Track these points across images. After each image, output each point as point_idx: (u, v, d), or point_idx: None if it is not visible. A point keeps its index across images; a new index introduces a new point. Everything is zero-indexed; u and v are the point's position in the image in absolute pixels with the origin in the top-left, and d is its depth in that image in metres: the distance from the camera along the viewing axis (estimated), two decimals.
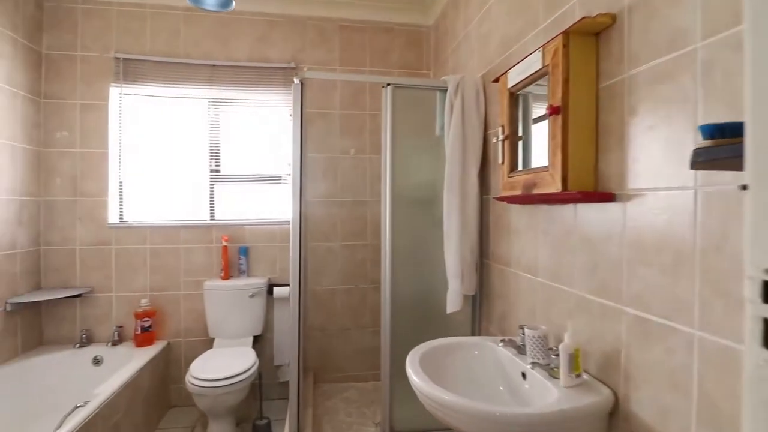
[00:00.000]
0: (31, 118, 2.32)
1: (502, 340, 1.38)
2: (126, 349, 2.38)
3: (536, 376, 1.18)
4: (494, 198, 1.63)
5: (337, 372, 2.75)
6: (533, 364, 1.20)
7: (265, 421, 2.28)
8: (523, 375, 1.25)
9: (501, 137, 1.46)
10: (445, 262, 1.83)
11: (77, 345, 2.37)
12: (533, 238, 1.46)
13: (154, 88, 2.56)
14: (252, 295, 2.49)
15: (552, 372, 1.16)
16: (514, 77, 1.38)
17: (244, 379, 2.07)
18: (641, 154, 0.98)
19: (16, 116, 2.21)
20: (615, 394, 1.05)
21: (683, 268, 0.86)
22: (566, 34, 1.12)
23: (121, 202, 2.55)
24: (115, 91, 2.50)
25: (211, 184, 2.65)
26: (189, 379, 2.03)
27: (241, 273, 2.59)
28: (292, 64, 2.65)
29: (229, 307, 2.47)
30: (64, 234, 2.44)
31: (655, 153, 0.94)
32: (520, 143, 1.43)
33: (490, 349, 1.43)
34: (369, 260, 2.75)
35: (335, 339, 2.75)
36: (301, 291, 1.91)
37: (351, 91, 2.74)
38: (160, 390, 2.41)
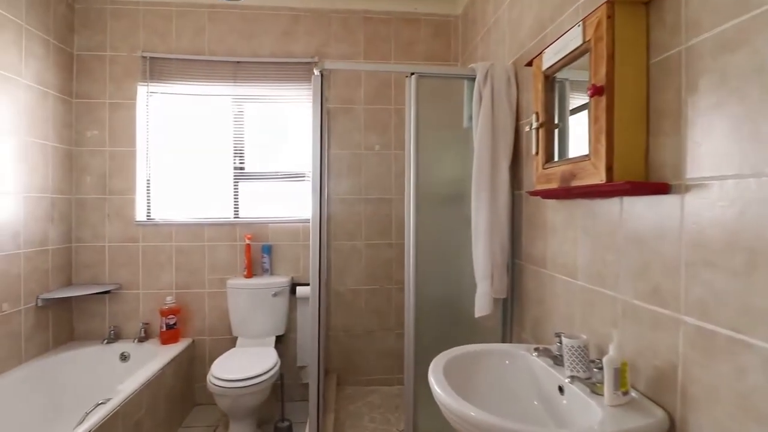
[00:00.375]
0: (62, 117, 2.37)
1: (536, 349, 1.25)
2: (152, 345, 2.39)
3: (576, 391, 1.05)
4: (527, 193, 1.49)
5: (362, 375, 2.67)
6: (572, 377, 1.06)
7: (286, 424, 2.22)
8: (561, 389, 1.12)
9: (535, 125, 1.33)
10: (474, 262, 1.71)
11: (105, 341, 2.40)
12: (572, 237, 1.32)
13: (180, 86, 2.56)
14: (275, 294, 2.45)
15: (594, 388, 1.02)
16: (549, 58, 1.25)
17: (264, 380, 2.03)
18: (704, 138, 0.83)
19: (47, 116, 2.25)
20: (670, 416, 0.91)
21: (760, 272, 0.72)
22: (611, 3, 0.98)
23: (148, 200, 2.57)
24: (142, 90, 2.52)
25: (235, 182, 2.63)
26: (210, 378, 2.00)
27: (264, 271, 2.56)
28: (316, 59, 2.59)
29: (252, 305, 2.44)
30: (95, 231, 2.48)
31: (722, 135, 0.79)
32: (557, 131, 1.29)
33: (523, 358, 1.30)
34: (394, 260, 2.66)
35: (359, 341, 2.67)
36: (321, 291, 1.84)
37: (375, 85, 2.65)
38: (185, 388, 2.40)
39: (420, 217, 1.80)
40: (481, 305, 1.65)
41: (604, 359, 0.97)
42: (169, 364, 2.18)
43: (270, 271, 2.57)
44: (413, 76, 1.76)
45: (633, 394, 1.00)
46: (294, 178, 2.67)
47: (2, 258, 1.94)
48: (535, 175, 1.36)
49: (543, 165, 1.31)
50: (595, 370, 1.05)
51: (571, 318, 1.33)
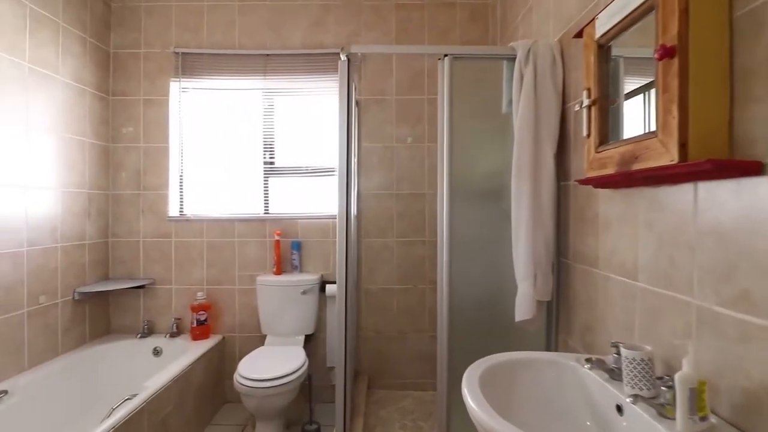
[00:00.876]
0: (99, 114, 2.42)
1: (588, 360, 1.08)
2: (183, 341, 2.39)
3: (638, 412, 0.88)
4: (577, 182, 1.31)
5: (394, 378, 2.55)
6: (635, 396, 0.89)
7: (314, 427, 2.14)
8: (619, 409, 0.95)
9: (586, 102, 1.16)
10: (514, 261, 1.55)
11: (139, 335, 2.42)
12: (630, 232, 1.13)
13: (211, 81, 2.55)
14: (304, 292, 2.38)
15: (662, 410, 0.85)
16: (604, 23, 1.08)
17: (291, 381, 1.95)
18: None
19: (84, 113, 2.29)
20: None
21: None
22: None
23: (181, 195, 2.57)
24: (174, 86, 2.53)
25: (265, 177, 2.59)
26: (236, 377, 1.95)
27: (293, 268, 2.50)
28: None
29: (281, 303, 2.38)
30: (130, 227, 2.52)
31: None
32: (612, 109, 1.12)
33: (573, 369, 1.13)
34: (428, 258, 2.52)
35: (391, 342, 2.56)
36: (347, 290, 1.74)
37: (408, 75, 2.53)
38: (214, 385, 2.38)
39: (454, 212, 1.67)
40: (523, 308, 1.49)
41: (677, 376, 0.79)
42: (197, 360, 2.16)
43: (299, 268, 2.50)
44: (446, 58, 1.63)
45: (713, 419, 0.82)
46: (324, 172, 2.59)
47: (39, 252, 1.98)
48: (586, 160, 1.19)
49: (596, 148, 1.13)
50: (663, 388, 0.87)
51: (629, 325, 1.15)
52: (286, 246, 2.51)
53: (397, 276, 2.55)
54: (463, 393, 1.01)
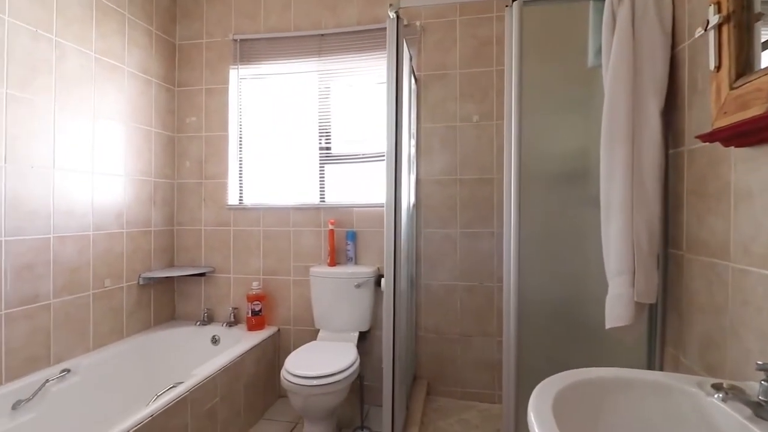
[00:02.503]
0: (165, 104, 2.48)
1: (717, 387, 0.75)
2: (239, 331, 2.35)
3: None
4: (699, 137, 0.94)
5: (456, 386, 2.28)
6: None
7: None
8: None
9: (715, 21, 0.82)
10: (604, 252, 1.22)
11: (199, 323, 2.43)
12: None
13: (267, 66, 2.50)
14: (358, 285, 2.21)
15: None
16: None
17: (338, 381, 1.79)
18: None
19: (150, 103, 2.36)
20: None
21: None
22: None
23: (240, 183, 2.56)
24: (233, 74, 2.52)
25: (321, 165, 2.47)
26: (283, 373, 1.83)
27: (348, 260, 2.34)
28: (405, 22, 2.28)
29: (334, 296, 2.23)
30: (192, 215, 2.55)
31: None
32: (757, 26, 0.77)
33: (692, 399, 0.80)
34: (497, 252, 2.21)
35: (454, 345, 2.29)
36: (395, 284, 1.54)
37: (474, 45, 2.24)
38: (268, 378, 2.31)
39: (525, 198, 1.39)
40: (616, 312, 1.15)
41: None
42: (248, 352, 2.09)
43: (354, 260, 2.34)
44: (515, 3, 1.34)
45: None
46: (381, 158, 2.40)
47: (105, 236, 2.05)
48: (714, 104, 0.85)
49: (732, 84, 0.79)
50: None
51: None
52: (341, 236, 2.36)
53: (460, 272, 2.28)
54: (529, 420, 0.74)
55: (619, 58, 1.17)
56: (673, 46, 1.19)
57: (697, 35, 0.90)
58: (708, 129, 0.87)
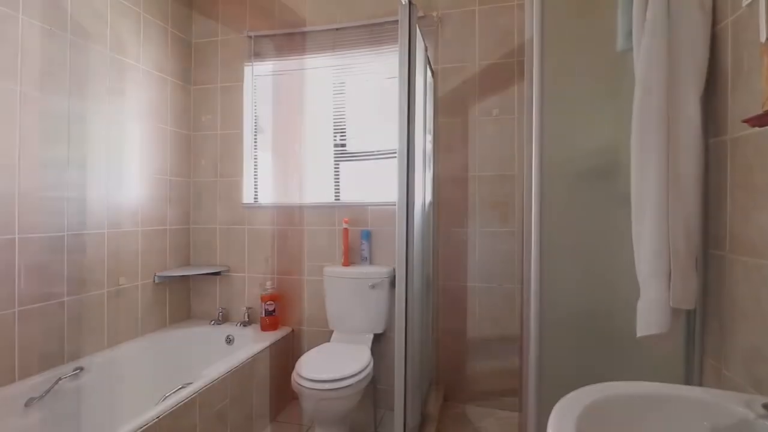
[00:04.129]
0: (181, 103, 2.47)
1: None
2: (253, 331, 2.32)
3: None
4: (747, 121, 0.82)
5: (475, 392, 2.19)
6: None
7: None
8: None
9: None
10: (635, 253, 1.11)
11: (213, 322, 2.42)
12: None
13: (282, 63, 2.46)
14: (372, 286, 2.14)
15: None
16: None
17: (351, 384, 1.72)
18: None
19: (166, 101, 2.35)
20: None
21: None
22: None
23: (255, 182, 2.53)
24: (248, 71, 2.49)
25: (335, 162, 2.41)
26: (294, 375, 1.78)
27: (362, 260, 2.28)
28: (421, 13, 2.20)
29: (348, 297, 2.17)
30: (208, 213, 2.54)
31: None
32: None
33: (740, 419, 0.70)
34: (518, 253, 2.11)
35: (472, 350, 2.20)
36: (407, 285, 1.46)
37: (494, 35, 2.14)
38: (281, 380, 2.26)
39: (547, 196, 1.29)
40: (650, 319, 1.04)
41: None
42: (260, 353, 2.05)
43: (369, 260, 2.28)
44: None
45: None
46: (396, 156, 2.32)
47: (120, 234, 2.05)
48: (765, 84, 0.74)
49: None
50: None
51: None
52: (355, 235, 2.30)
53: (479, 273, 2.18)
54: None
55: (652, 41, 1.06)
56: (714, 24, 1.07)
57: (744, 5, 0.78)
58: (757, 112, 0.76)
